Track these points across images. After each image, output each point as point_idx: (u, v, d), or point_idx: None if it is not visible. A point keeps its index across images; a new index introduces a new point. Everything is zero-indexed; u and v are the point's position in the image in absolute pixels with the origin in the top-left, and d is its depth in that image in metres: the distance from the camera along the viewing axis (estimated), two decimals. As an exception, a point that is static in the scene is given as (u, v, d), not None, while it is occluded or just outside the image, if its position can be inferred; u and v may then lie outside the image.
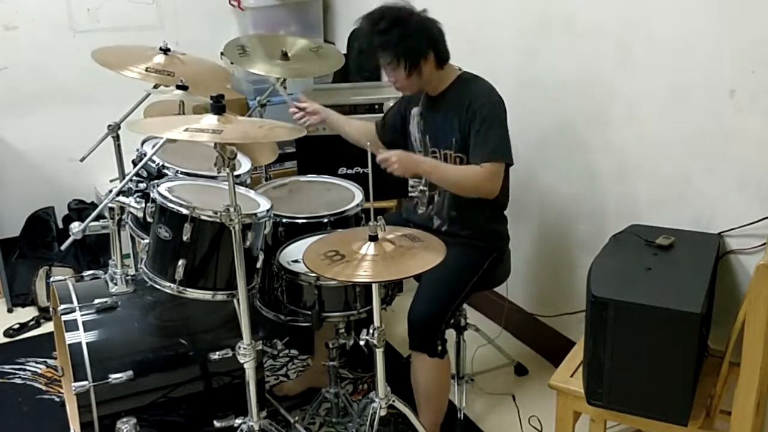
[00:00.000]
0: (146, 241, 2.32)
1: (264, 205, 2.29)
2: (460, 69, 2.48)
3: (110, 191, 2.33)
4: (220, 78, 2.76)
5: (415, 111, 2.54)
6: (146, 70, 2.51)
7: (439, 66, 2.39)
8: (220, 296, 2.20)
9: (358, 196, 2.67)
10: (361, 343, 2.15)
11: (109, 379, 2.19)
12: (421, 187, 2.57)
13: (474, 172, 2.35)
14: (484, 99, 2.37)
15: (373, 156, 2.15)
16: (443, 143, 2.44)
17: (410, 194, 2.63)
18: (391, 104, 2.76)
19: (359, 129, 2.72)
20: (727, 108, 2.19)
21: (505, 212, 2.57)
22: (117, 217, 2.34)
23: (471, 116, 2.35)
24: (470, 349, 2.86)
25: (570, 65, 2.70)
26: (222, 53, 2.99)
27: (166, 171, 2.44)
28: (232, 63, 3.00)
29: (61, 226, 3.91)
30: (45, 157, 3.90)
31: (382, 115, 2.79)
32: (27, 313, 3.52)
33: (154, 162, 2.45)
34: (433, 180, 2.43)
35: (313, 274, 2.15)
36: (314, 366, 2.86)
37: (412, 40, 2.32)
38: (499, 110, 2.38)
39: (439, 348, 2.36)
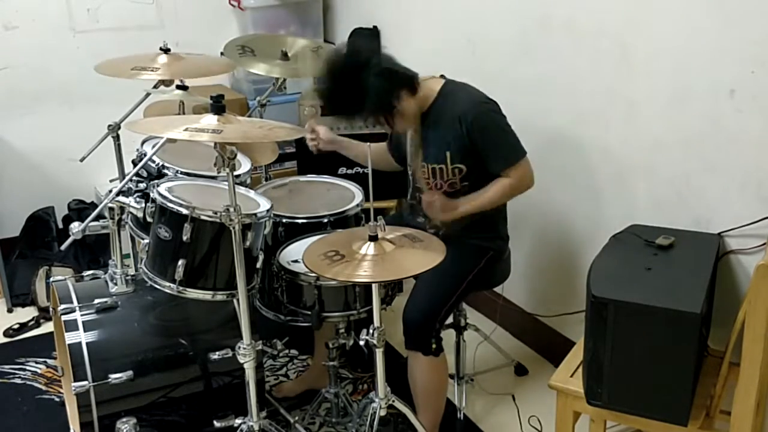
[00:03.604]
0: (146, 241, 2.32)
1: (264, 205, 2.29)
2: (441, 77, 2.45)
3: (110, 191, 2.34)
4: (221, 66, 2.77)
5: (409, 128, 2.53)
6: (152, 71, 2.51)
7: (413, 94, 2.35)
8: (220, 296, 2.20)
9: (358, 196, 2.67)
10: (361, 343, 2.15)
11: (109, 379, 2.19)
12: (409, 201, 2.58)
13: (505, 184, 2.37)
14: (475, 109, 2.34)
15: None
16: (433, 158, 2.41)
17: (409, 201, 2.63)
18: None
19: (374, 151, 2.70)
20: (727, 108, 2.19)
21: (506, 210, 2.57)
22: (117, 217, 2.34)
23: (467, 130, 2.32)
24: (470, 349, 2.86)
25: (570, 65, 2.70)
26: (222, 53, 2.99)
27: (166, 171, 2.44)
28: (231, 63, 3.00)
29: (61, 226, 3.91)
30: (45, 157, 3.89)
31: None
32: (27, 313, 3.52)
33: (154, 162, 2.45)
34: (477, 212, 2.41)
35: (313, 274, 2.15)
36: (314, 366, 2.86)
37: (373, 100, 2.26)
38: (493, 115, 2.37)
39: (434, 346, 2.35)
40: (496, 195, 2.39)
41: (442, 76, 2.46)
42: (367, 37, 3.71)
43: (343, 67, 2.30)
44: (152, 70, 2.51)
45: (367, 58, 2.28)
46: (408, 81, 2.35)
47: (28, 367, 3.11)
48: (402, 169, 2.65)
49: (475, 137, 2.33)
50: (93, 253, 3.80)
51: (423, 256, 2.01)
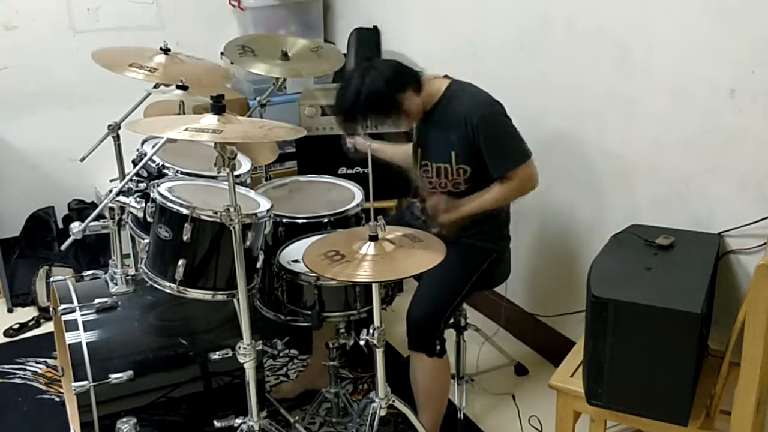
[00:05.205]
0: (146, 241, 2.32)
1: (264, 205, 2.29)
2: (446, 77, 2.44)
3: (110, 191, 2.33)
4: (219, 77, 2.76)
5: (414, 124, 2.53)
6: (148, 71, 2.51)
7: (417, 93, 2.37)
8: (220, 296, 2.20)
9: (358, 196, 2.67)
10: (361, 343, 2.16)
11: (109, 379, 2.19)
12: (410, 199, 2.58)
13: (509, 187, 2.34)
14: (481, 111, 2.34)
15: (373, 158, 2.15)
16: (437, 157, 2.41)
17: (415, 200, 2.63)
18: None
19: (400, 153, 2.70)
20: (727, 108, 2.19)
21: (509, 211, 2.56)
22: (117, 217, 2.34)
23: (473, 132, 2.31)
24: (470, 349, 2.86)
25: (570, 65, 2.70)
26: (222, 53, 2.99)
27: (166, 171, 2.44)
28: (232, 63, 3.00)
29: (61, 226, 3.91)
30: (45, 157, 3.89)
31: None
32: (27, 313, 3.52)
33: (154, 162, 2.45)
34: (479, 213, 2.40)
35: (313, 274, 2.15)
36: (312, 366, 2.86)
37: (376, 108, 2.32)
38: (499, 117, 2.37)
39: (438, 347, 2.35)
40: (500, 195, 2.37)
41: (446, 77, 2.46)
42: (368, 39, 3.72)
43: (350, 74, 2.37)
44: (150, 70, 2.51)
45: (369, 63, 2.34)
46: (412, 81, 2.36)
47: (28, 367, 3.11)
48: None
49: (480, 140, 2.32)
50: (93, 253, 3.80)
51: (423, 256, 2.01)
